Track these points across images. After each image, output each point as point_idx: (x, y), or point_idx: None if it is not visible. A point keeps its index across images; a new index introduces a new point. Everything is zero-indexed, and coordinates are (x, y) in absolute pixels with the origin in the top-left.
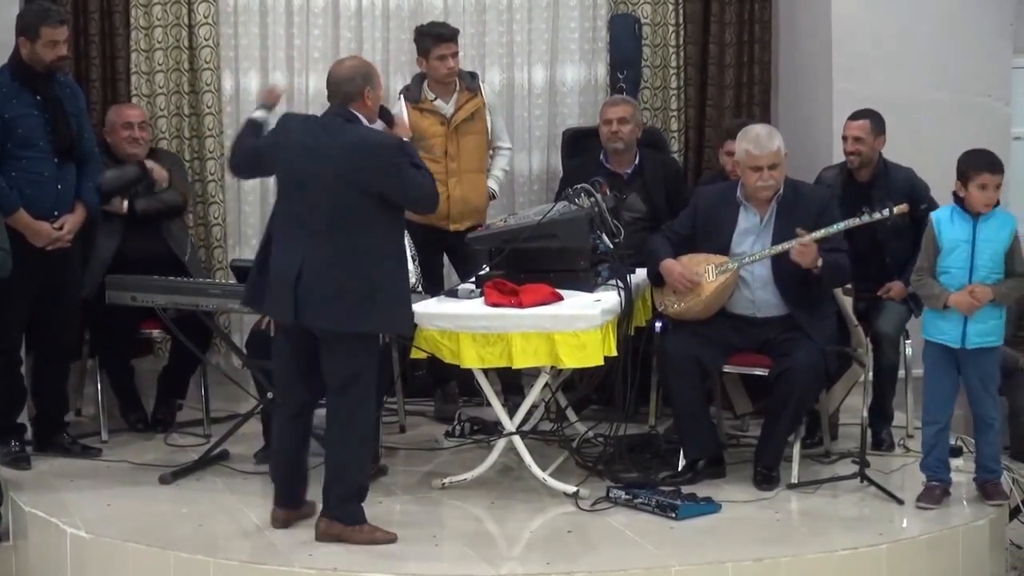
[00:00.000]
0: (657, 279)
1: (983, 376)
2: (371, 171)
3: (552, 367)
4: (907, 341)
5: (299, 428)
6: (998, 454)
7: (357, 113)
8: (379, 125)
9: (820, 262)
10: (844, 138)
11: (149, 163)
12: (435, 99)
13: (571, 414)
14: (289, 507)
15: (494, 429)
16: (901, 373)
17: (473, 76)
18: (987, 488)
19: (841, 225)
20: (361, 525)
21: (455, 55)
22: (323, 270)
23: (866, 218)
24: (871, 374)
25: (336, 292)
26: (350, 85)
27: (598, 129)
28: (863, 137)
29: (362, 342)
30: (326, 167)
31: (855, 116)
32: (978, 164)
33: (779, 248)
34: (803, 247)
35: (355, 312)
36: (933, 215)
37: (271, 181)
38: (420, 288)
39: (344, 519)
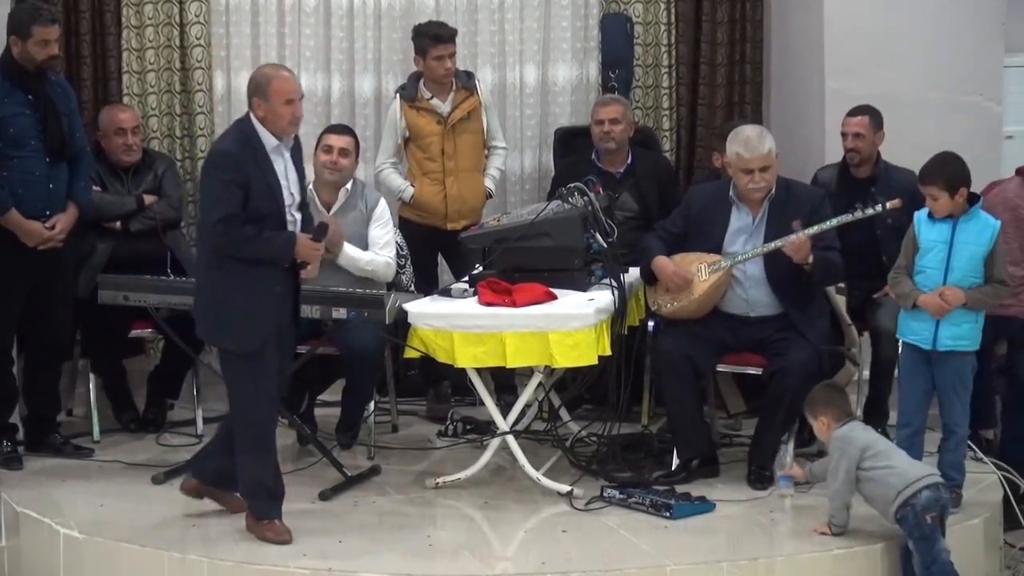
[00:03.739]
0: (650, 278)
1: (953, 381)
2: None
3: (546, 366)
4: None
5: None
6: (960, 462)
7: (252, 119)
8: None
9: (811, 258)
10: (843, 135)
11: (149, 198)
12: (431, 98)
13: (564, 413)
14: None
15: (487, 428)
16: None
17: (469, 75)
18: None
19: (835, 221)
20: (270, 520)
21: (452, 56)
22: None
23: (859, 214)
24: (866, 371)
25: (196, 298)
26: (247, 91)
27: (590, 128)
28: (863, 133)
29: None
30: None
31: (853, 112)
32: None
33: (772, 246)
34: (797, 242)
35: (201, 319)
36: (916, 213)
37: None
38: (412, 288)
39: (254, 512)
